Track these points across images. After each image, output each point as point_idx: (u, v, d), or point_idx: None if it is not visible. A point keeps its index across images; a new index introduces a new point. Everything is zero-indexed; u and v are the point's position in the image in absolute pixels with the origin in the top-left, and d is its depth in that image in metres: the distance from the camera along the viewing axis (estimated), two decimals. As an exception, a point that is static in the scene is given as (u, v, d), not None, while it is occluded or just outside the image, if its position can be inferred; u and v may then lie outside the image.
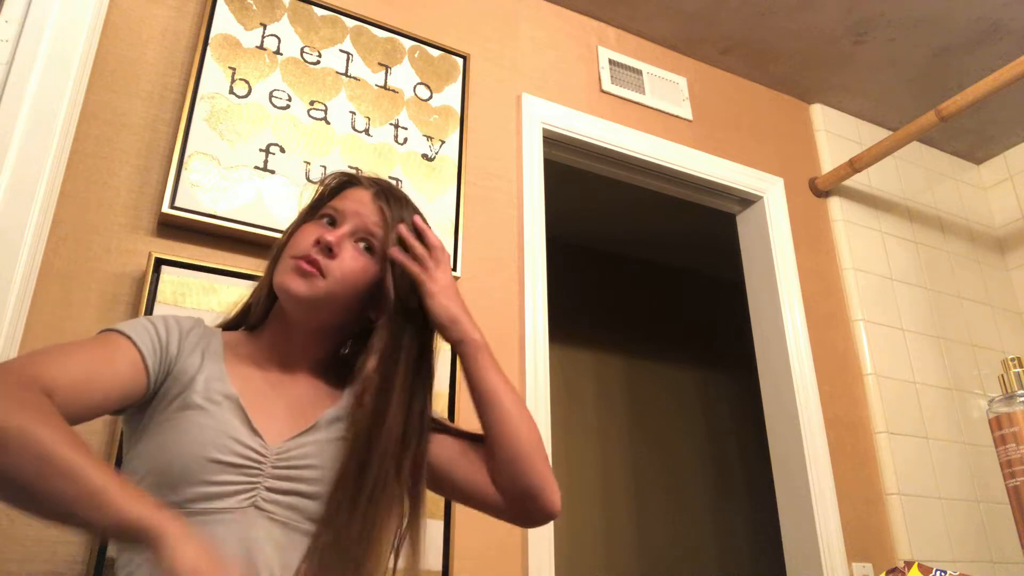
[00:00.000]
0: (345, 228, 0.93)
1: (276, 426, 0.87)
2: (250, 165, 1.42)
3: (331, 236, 0.91)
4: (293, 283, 0.89)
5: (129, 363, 0.83)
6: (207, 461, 0.80)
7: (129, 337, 0.84)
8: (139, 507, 0.66)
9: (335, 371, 0.98)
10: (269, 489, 0.82)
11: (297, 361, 0.95)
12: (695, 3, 2.06)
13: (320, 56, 1.59)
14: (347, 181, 1.00)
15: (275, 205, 1.41)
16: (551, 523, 1.52)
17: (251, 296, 1.01)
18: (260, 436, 0.84)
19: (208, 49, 1.45)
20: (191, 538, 0.66)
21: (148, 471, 0.81)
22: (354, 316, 0.96)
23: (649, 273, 3.51)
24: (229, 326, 1.00)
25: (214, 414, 0.83)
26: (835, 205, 2.30)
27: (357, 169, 1.53)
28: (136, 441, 0.85)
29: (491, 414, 0.92)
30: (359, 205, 0.95)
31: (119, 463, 1.15)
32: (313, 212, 0.98)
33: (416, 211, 0.99)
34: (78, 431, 0.72)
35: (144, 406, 0.86)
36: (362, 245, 0.93)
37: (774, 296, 2.08)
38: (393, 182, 1.57)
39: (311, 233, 0.92)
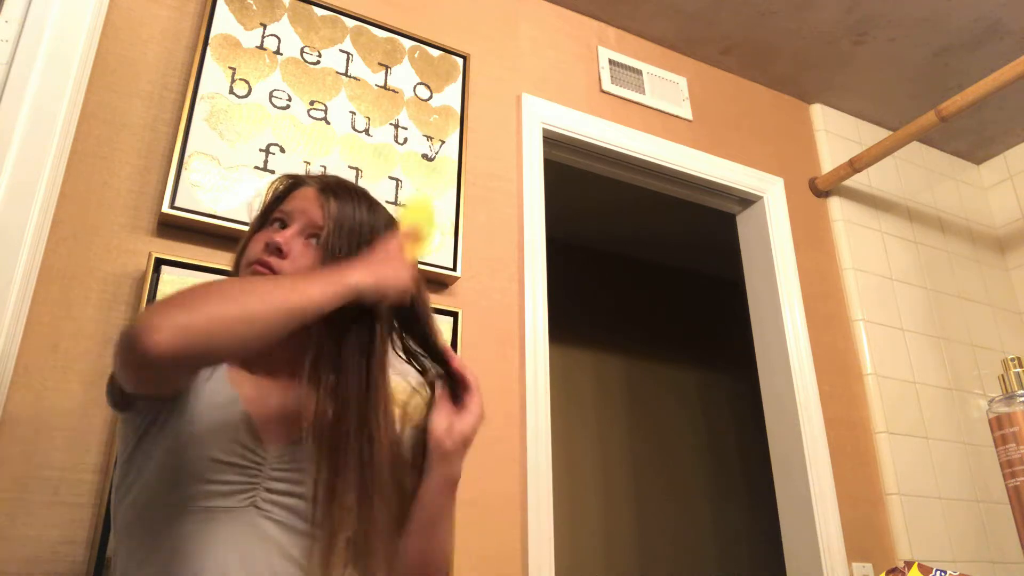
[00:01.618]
0: (294, 227, 0.93)
1: (276, 429, 0.88)
2: (250, 165, 1.42)
3: (279, 237, 0.91)
4: None
5: None
6: (210, 460, 0.82)
7: None
8: (346, 272, 0.83)
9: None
10: (268, 490, 0.84)
11: (283, 365, 0.95)
12: (695, 3, 2.06)
13: (320, 56, 1.59)
14: (293, 183, 1.00)
15: (275, 205, 1.41)
16: (551, 522, 1.53)
17: None
18: (260, 439, 0.86)
19: (208, 49, 1.45)
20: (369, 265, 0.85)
21: (152, 469, 0.83)
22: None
23: (649, 273, 3.51)
24: None
25: (217, 416, 0.85)
26: (835, 205, 2.30)
27: (361, 170, 1.54)
28: (136, 441, 0.86)
29: (428, 541, 0.93)
30: (305, 203, 0.95)
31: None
32: (264, 219, 0.98)
33: (370, 202, 0.97)
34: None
35: (146, 408, 0.87)
36: (314, 241, 0.92)
37: (774, 296, 2.08)
38: (394, 183, 1.57)
39: (262, 239, 0.93)
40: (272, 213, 0.97)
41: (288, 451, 0.88)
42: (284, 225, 0.95)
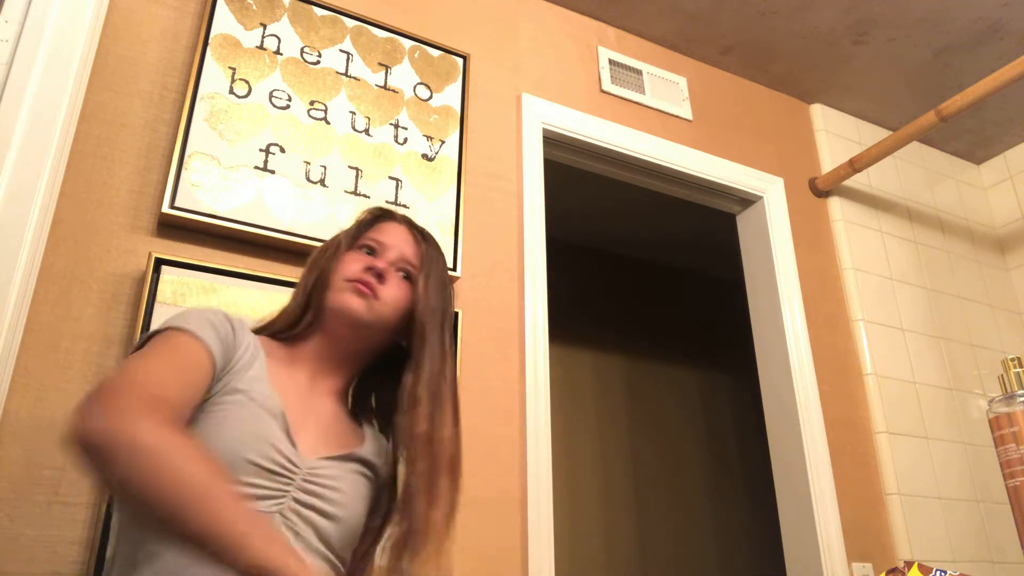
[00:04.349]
0: (388, 257, 1.00)
1: (308, 441, 0.89)
2: (250, 165, 1.42)
3: (381, 263, 0.98)
4: (353, 303, 0.95)
5: (203, 362, 0.83)
6: (243, 461, 0.81)
7: (196, 335, 0.84)
8: (277, 553, 0.67)
9: (348, 400, 1.03)
10: (296, 500, 0.84)
11: (326, 381, 0.98)
12: (695, 3, 2.06)
13: (320, 56, 1.59)
14: (382, 215, 1.07)
15: (275, 205, 1.41)
16: (551, 522, 1.53)
17: (288, 308, 1.03)
18: (295, 447, 0.86)
19: (208, 49, 1.45)
20: None
21: None
22: (387, 341, 1.01)
23: (649, 273, 3.51)
24: (259, 330, 1.02)
25: (256, 414, 0.85)
26: (835, 205, 2.30)
27: (397, 183, 1.54)
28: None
29: None
30: (398, 239, 1.02)
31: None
32: (352, 242, 1.03)
33: (441, 252, 1.07)
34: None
35: None
36: (401, 275, 1.00)
37: (774, 296, 2.08)
38: (394, 183, 1.57)
39: (357, 260, 0.98)
40: (359, 239, 1.02)
41: (323, 465, 0.88)
42: (372, 252, 1.00)
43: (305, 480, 0.85)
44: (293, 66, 1.54)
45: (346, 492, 0.89)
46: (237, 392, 0.85)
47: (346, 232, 1.05)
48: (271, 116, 1.48)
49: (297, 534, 0.83)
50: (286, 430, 0.86)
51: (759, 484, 2.76)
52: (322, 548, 0.86)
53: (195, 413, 0.83)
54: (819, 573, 1.80)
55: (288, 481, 0.84)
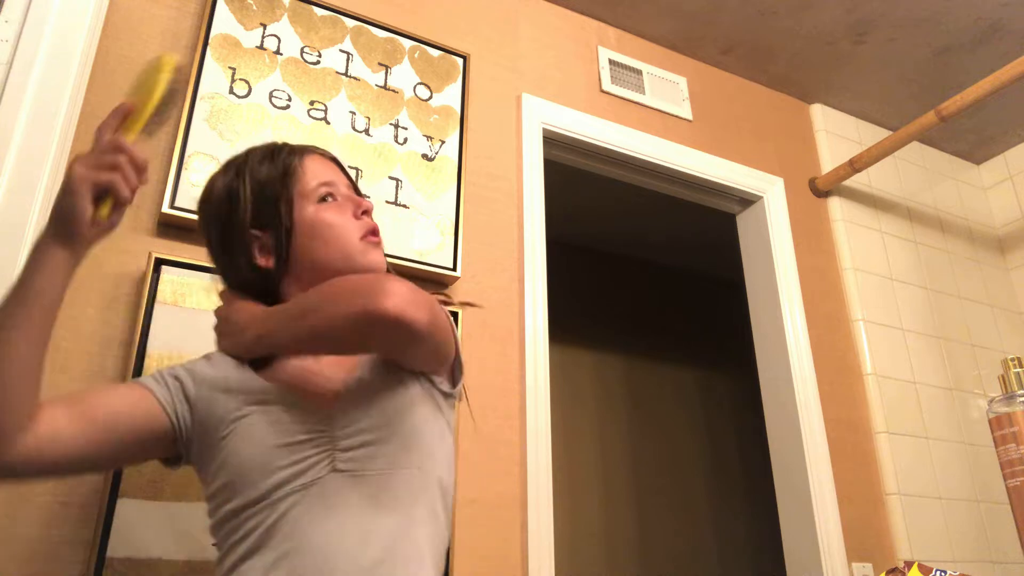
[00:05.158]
0: (348, 194, 0.97)
1: (321, 391, 0.88)
2: (250, 165, 1.42)
3: (366, 203, 0.96)
4: (380, 259, 0.94)
5: (141, 399, 0.85)
6: (276, 448, 0.81)
7: (142, 383, 0.87)
8: None
9: None
10: (344, 449, 0.83)
11: None
12: (695, 3, 2.06)
13: (320, 56, 1.59)
14: (299, 151, 0.97)
15: (275, 205, 1.41)
16: (551, 522, 1.53)
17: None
18: (312, 406, 0.85)
19: (208, 49, 1.45)
20: None
21: (226, 481, 0.83)
22: None
23: (649, 273, 3.51)
24: None
25: (264, 411, 0.85)
26: (835, 205, 2.30)
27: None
28: (207, 468, 0.86)
29: None
30: (332, 173, 0.98)
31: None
32: (290, 183, 0.93)
33: None
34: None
35: (195, 450, 0.87)
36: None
37: (774, 296, 2.08)
38: (394, 183, 1.57)
39: (337, 210, 0.94)
40: (311, 190, 0.93)
41: (344, 406, 0.86)
42: (327, 197, 0.94)
43: (341, 428, 0.84)
44: (293, 66, 1.54)
45: (381, 404, 0.86)
46: (239, 415, 0.85)
47: (278, 193, 0.92)
48: (271, 116, 1.48)
49: (360, 476, 0.82)
50: (293, 401, 0.85)
51: (759, 484, 2.76)
52: (404, 483, 0.83)
53: (214, 451, 0.85)
54: (819, 573, 1.80)
55: (327, 439, 0.83)
